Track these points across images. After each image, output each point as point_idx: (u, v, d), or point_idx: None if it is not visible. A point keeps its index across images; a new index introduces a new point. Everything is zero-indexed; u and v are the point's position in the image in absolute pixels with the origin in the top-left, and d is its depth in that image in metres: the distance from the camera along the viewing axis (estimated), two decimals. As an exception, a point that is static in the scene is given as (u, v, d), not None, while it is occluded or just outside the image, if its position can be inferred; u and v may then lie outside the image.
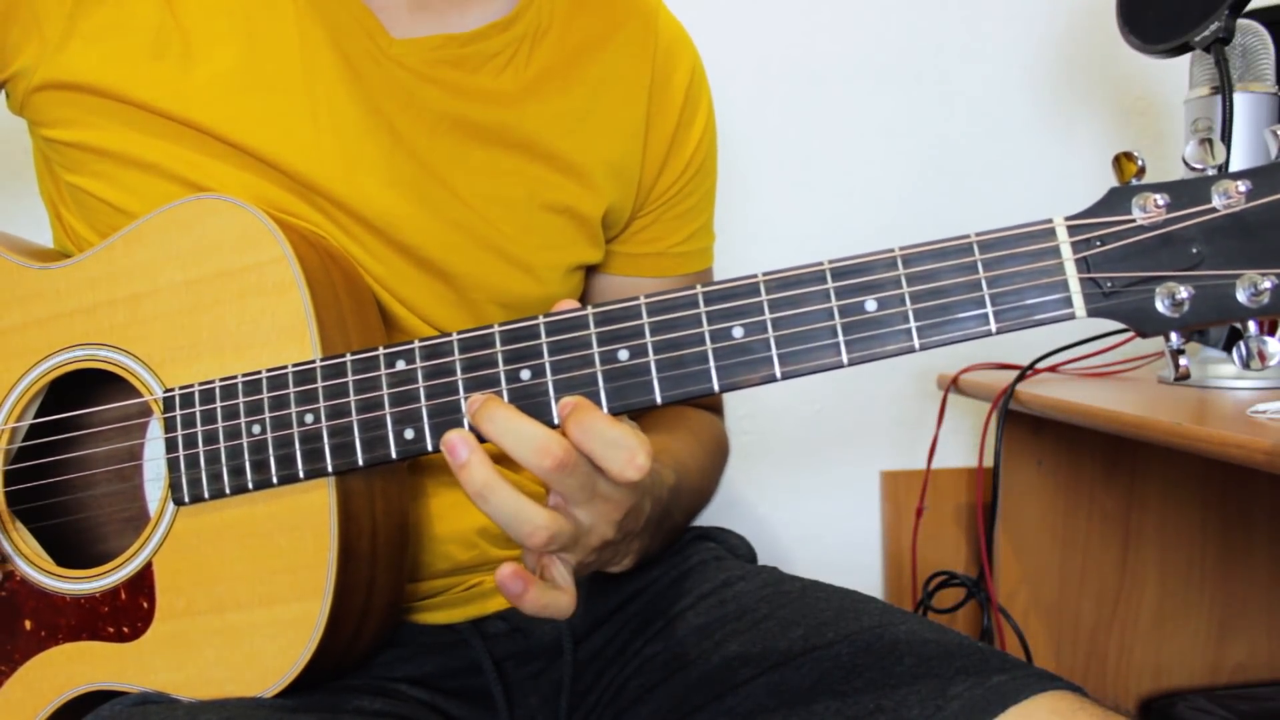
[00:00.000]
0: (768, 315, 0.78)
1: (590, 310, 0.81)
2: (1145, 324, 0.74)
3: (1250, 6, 1.37)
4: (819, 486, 2.03)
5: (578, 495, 0.81)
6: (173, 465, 0.93)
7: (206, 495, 0.92)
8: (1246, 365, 0.73)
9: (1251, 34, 1.48)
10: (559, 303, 0.83)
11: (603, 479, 0.81)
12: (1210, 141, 0.73)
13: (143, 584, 0.96)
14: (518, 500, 0.79)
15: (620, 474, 0.78)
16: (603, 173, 1.15)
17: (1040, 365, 1.67)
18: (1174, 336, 0.74)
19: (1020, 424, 1.75)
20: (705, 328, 0.79)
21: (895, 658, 0.95)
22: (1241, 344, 0.73)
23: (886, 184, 2.00)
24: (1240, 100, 1.43)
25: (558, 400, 0.81)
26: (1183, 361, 0.74)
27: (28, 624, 1.00)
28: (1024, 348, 1.67)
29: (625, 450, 0.77)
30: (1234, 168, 0.74)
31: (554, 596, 0.82)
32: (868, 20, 1.99)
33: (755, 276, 0.78)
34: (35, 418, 1.03)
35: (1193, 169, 0.74)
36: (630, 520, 0.89)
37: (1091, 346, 1.65)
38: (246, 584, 0.93)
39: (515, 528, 0.80)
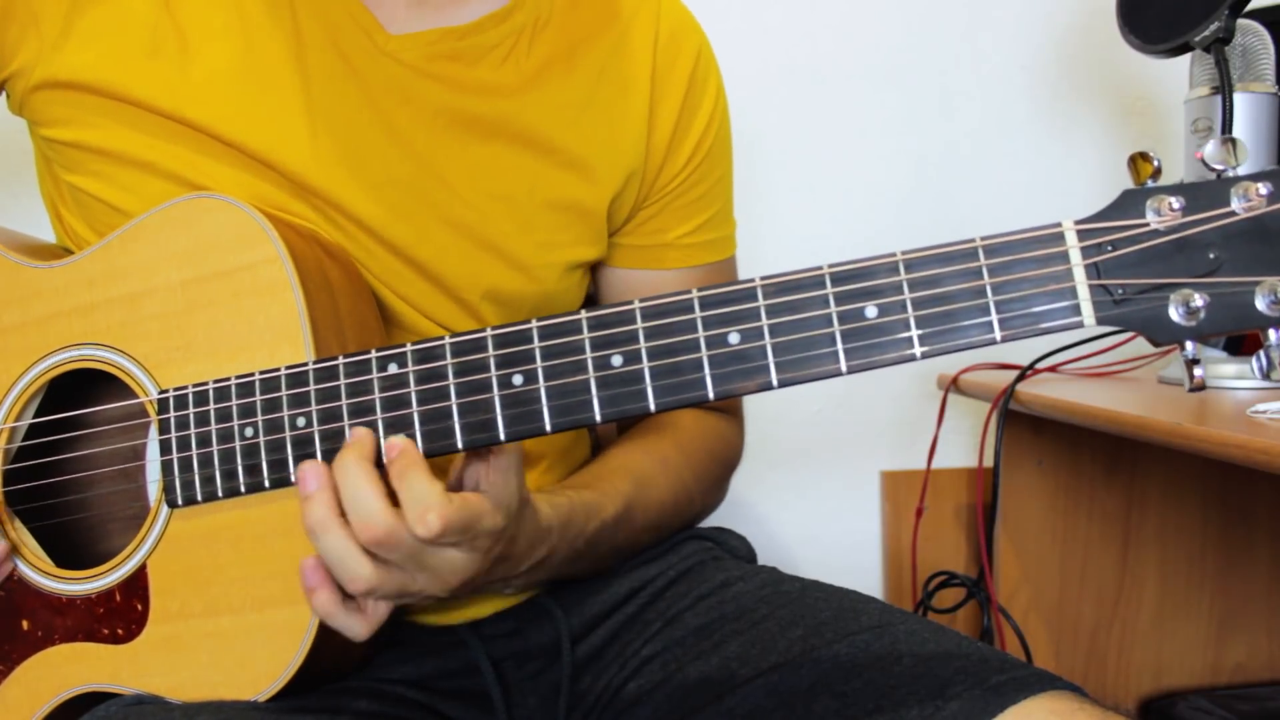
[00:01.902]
0: (765, 321, 0.76)
1: (584, 315, 0.80)
2: (1158, 333, 0.72)
3: (1250, 6, 1.37)
4: (819, 486, 2.03)
5: (404, 565, 0.82)
6: (166, 467, 0.93)
7: (199, 497, 0.92)
8: (1267, 376, 0.70)
9: (1251, 34, 1.48)
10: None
11: (431, 551, 0.82)
12: (1233, 141, 0.70)
13: (137, 586, 0.96)
14: (346, 546, 0.81)
15: (410, 526, 0.79)
16: (606, 164, 1.14)
17: (1040, 365, 1.67)
18: (1189, 346, 0.72)
19: (1020, 424, 1.74)
20: (701, 333, 0.77)
21: (894, 658, 0.95)
22: (1261, 353, 0.70)
23: (886, 184, 2.00)
24: (1240, 100, 1.42)
25: (549, 407, 0.81)
26: (1198, 372, 0.72)
27: (25, 624, 1.00)
28: (1024, 347, 1.65)
29: (418, 507, 0.79)
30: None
31: (348, 619, 0.85)
32: (868, 21, 1.99)
33: (753, 281, 0.77)
34: (34, 417, 1.03)
35: (1212, 169, 0.71)
36: (500, 568, 0.91)
37: (1092, 346, 1.64)
38: (239, 587, 0.93)
39: (338, 570, 0.82)
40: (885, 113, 2.00)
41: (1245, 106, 1.44)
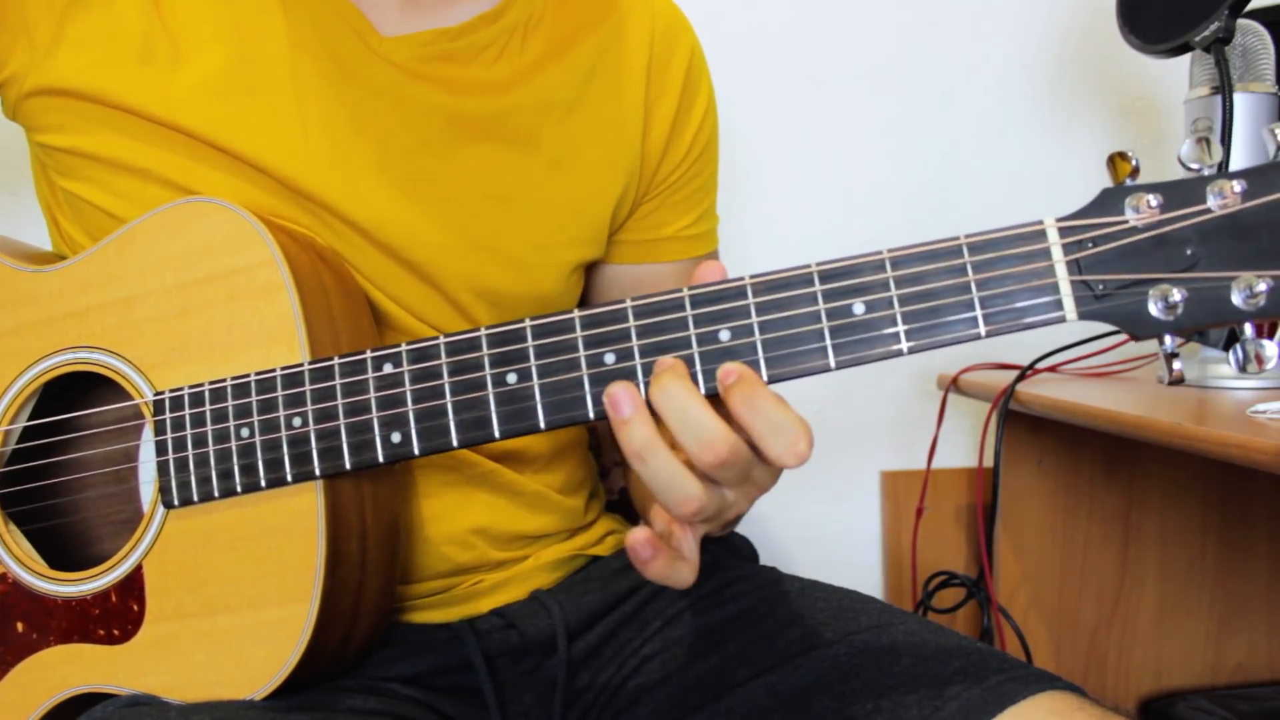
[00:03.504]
0: (754, 318, 0.77)
1: (577, 314, 0.80)
2: (1138, 327, 0.73)
3: (1250, 6, 1.37)
4: (819, 486, 2.03)
5: (731, 482, 0.78)
6: (162, 468, 0.93)
7: (195, 498, 0.92)
8: (1243, 369, 0.72)
9: (1251, 34, 1.47)
10: (704, 269, 0.81)
11: (758, 465, 0.78)
12: (1207, 140, 0.72)
13: (132, 587, 0.96)
14: (675, 466, 0.76)
15: (780, 459, 0.74)
16: (601, 161, 1.14)
17: (1040, 365, 1.67)
18: (1168, 339, 0.73)
19: (1020, 424, 1.74)
20: (691, 331, 0.78)
21: (893, 658, 0.95)
22: (1238, 347, 0.72)
23: (886, 185, 2.00)
24: (1240, 100, 1.42)
25: (543, 405, 0.81)
26: (1176, 365, 0.73)
27: (19, 626, 1.00)
28: (1024, 348, 1.66)
29: (789, 436, 0.74)
30: (1234, 168, 0.72)
31: (678, 568, 0.79)
32: (867, 21, 1.99)
33: (742, 279, 0.78)
34: (30, 420, 1.03)
35: (1189, 169, 0.72)
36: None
37: (1091, 346, 1.64)
38: (235, 587, 0.92)
39: (668, 494, 0.76)
40: (885, 113, 2.00)
41: (1245, 106, 1.44)
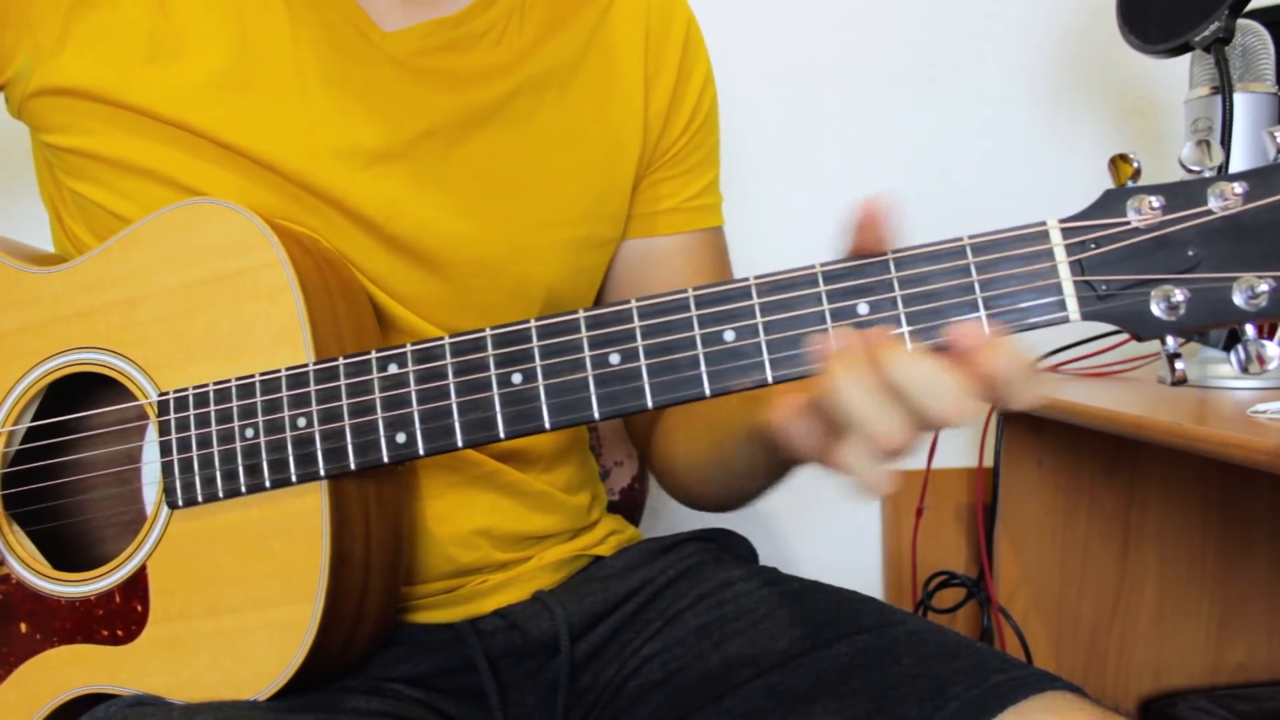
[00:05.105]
0: (759, 319, 0.77)
1: (582, 314, 0.81)
2: (1141, 327, 0.73)
3: (1250, 6, 1.37)
4: (819, 486, 2.02)
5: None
6: (167, 469, 0.93)
7: (200, 498, 0.92)
8: (1245, 369, 0.72)
9: (1251, 34, 1.48)
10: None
11: None
12: (1207, 143, 0.72)
13: (137, 587, 0.96)
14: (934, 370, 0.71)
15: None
16: (604, 135, 1.15)
17: (1040, 365, 1.67)
18: (1170, 340, 0.74)
19: (1020, 424, 1.74)
20: (696, 331, 0.78)
21: (894, 658, 0.95)
22: (1240, 348, 0.72)
23: (887, 186, 1.99)
24: (1240, 100, 1.43)
25: (548, 406, 0.81)
26: (1179, 365, 0.74)
27: (23, 627, 1.00)
28: (1024, 347, 1.66)
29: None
30: (1234, 168, 0.73)
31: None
32: (869, 22, 1.98)
33: (747, 280, 0.78)
34: (33, 421, 1.03)
35: (1189, 171, 0.73)
36: None
37: (1091, 346, 1.64)
38: (240, 587, 0.93)
39: (939, 400, 0.70)
40: (886, 114, 2.00)
41: (1245, 106, 1.44)
